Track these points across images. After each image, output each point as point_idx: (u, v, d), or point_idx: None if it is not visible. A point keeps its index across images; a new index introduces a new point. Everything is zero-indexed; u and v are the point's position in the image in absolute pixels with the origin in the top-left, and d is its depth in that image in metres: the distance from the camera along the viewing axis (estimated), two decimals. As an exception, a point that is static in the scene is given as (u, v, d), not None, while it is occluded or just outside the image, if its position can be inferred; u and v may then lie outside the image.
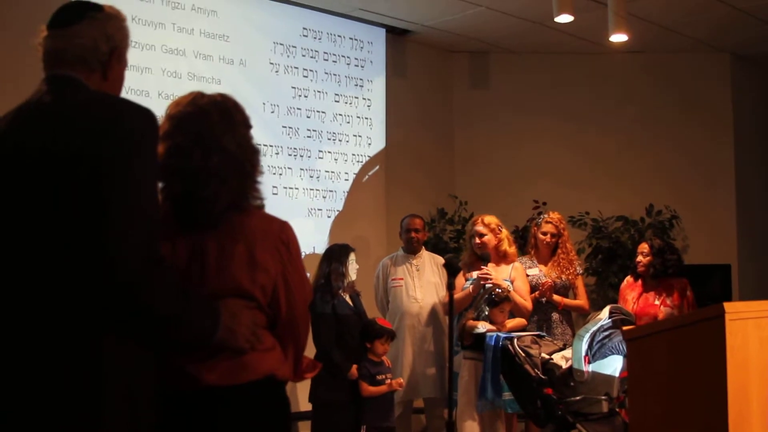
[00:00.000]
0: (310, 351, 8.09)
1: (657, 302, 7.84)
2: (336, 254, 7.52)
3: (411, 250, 8.29)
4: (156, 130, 2.85)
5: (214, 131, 3.13)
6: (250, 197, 3.19)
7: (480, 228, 7.72)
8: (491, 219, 7.82)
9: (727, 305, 3.95)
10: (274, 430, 3.18)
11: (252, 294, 3.11)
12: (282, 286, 3.17)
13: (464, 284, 7.68)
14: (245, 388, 3.09)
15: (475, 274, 7.59)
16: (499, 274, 7.60)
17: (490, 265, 7.54)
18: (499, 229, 7.82)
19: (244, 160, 3.15)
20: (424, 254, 8.39)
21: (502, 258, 7.76)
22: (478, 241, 7.69)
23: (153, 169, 2.84)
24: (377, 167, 9.41)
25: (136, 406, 2.81)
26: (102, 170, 2.67)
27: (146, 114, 2.82)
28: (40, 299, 2.71)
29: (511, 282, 7.62)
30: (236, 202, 3.12)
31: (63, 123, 2.75)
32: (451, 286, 4.60)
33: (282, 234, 3.20)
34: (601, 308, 6.72)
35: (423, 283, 8.18)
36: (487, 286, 7.37)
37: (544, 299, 7.92)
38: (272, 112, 8.53)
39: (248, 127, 3.28)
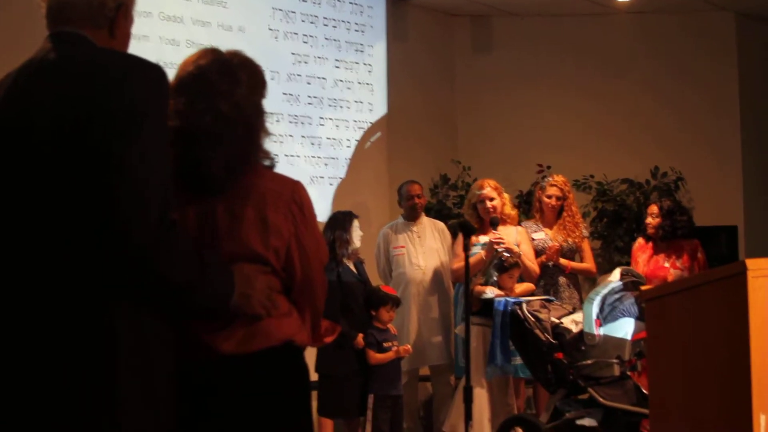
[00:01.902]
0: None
1: (667, 264, 7.77)
2: (340, 221, 7.43)
3: (413, 216, 8.19)
4: (166, 88, 2.76)
5: (210, 91, 3.03)
6: (255, 158, 3.08)
7: (488, 192, 7.62)
8: (495, 183, 7.73)
9: (749, 262, 3.84)
10: (293, 398, 3.09)
11: (266, 258, 3.01)
12: (296, 248, 3.06)
13: (471, 250, 7.59)
14: (263, 356, 3.00)
15: (483, 238, 7.51)
16: (505, 239, 7.51)
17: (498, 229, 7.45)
18: (501, 193, 7.75)
19: (242, 121, 3.03)
20: (425, 220, 8.31)
21: (504, 221, 7.67)
22: (489, 205, 7.58)
23: (164, 130, 2.75)
24: (379, 133, 9.31)
25: (153, 377, 2.73)
26: (112, 133, 2.59)
27: (156, 71, 2.73)
28: (51, 267, 2.63)
29: (518, 245, 7.54)
30: (238, 164, 3.01)
31: (70, 83, 2.66)
32: (467, 247, 4.47)
33: (295, 194, 3.09)
34: (607, 272, 6.66)
35: (425, 250, 8.10)
36: (499, 250, 7.28)
37: (551, 263, 7.84)
38: (272, 79, 8.37)
39: (256, 86, 3.16)
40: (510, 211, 7.74)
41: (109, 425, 2.63)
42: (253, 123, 3.09)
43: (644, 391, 6.19)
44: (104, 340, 2.62)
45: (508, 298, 6.88)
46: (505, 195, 7.78)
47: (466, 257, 4.38)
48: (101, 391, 2.62)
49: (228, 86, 3.05)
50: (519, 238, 7.65)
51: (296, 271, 3.08)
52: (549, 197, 8.02)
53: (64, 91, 2.64)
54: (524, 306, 6.66)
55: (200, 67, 3.08)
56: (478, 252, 7.43)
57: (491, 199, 7.59)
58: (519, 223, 7.98)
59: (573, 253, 8.05)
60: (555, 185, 8.02)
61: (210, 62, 3.10)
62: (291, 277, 3.09)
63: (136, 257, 2.60)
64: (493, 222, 7.45)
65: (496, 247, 7.30)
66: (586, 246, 8.15)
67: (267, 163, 3.16)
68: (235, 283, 2.91)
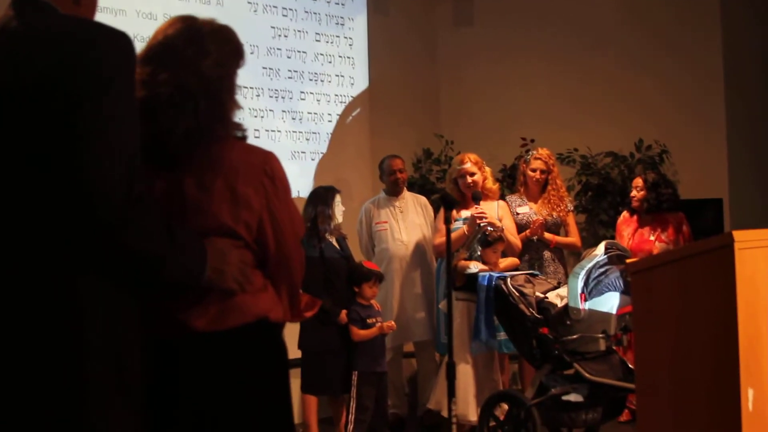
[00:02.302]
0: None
1: (652, 238, 7.73)
2: (322, 197, 7.35)
3: (395, 191, 8.13)
4: (133, 57, 2.67)
5: (174, 61, 2.95)
6: (221, 131, 2.98)
7: (469, 167, 7.56)
8: (477, 157, 7.66)
9: (736, 234, 3.77)
10: (270, 376, 3.01)
11: (236, 231, 2.93)
12: (268, 221, 2.98)
13: (453, 225, 7.52)
14: (236, 332, 2.92)
15: (464, 213, 7.46)
16: (487, 213, 7.45)
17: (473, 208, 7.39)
18: (483, 167, 7.68)
19: (205, 92, 2.93)
20: (407, 195, 8.27)
21: (485, 196, 7.60)
22: (469, 180, 7.54)
23: (131, 98, 2.67)
24: (361, 107, 9.19)
25: (121, 353, 2.64)
26: (77, 103, 2.51)
27: (122, 39, 2.64)
28: (13, 239, 2.55)
29: (500, 220, 7.49)
30: (199, 137, 2.91)
31: (33, 50, 2.57)
32: (448, 220, 4.36)
33: (266, 165, 3.00)
34: (592, 246, 6.59)
35: (408, 225, 8.06)
36: (481, 224, 7.21)
37: (535, 237, 7.79)
38: (251, 53, 8.25)
39: (227, 57, 3.06)
40: (491, 185, 7.69)
41: (75, 405, 2.55)
42: (219, 95, 2.99)
43: (630, 366, 6.20)
44: (69, 317, 2.55)
45: (492, 273, 6.82)
46: (487, 169, 7.72)
47: (447, 231, 4.25)
48: (67, 370, 2.55)
49: (193, 56, 2.96)
50: (501, 213, 7.60)
51: (269, 244, 3.00)
52: (533, 171, 7.96)
53: (28, 59, 2.55)
54: (508, 281, 6.60)
55: (168, 37, 3.01)
56: (460, 227, 7.38)
57: (472, 174, 7.54)
58: (501, 198, 7.93)
59: (558, 227, 8.00)
60: (539, 158, 7.96)
61: (178, 31, 3.01)
62: (264, 251, 3.01)
63: (102, 229, 2.52)
64: (475, 197, 7.39)
65: (478, 221, 7.23)
66: (571, 220, 8.10)
67: (239, 134, 3.08)
68: (207, 257, 2.83)
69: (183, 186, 2.92)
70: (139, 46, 3.00)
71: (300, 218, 3.15)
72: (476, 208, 7.33)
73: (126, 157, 2.56)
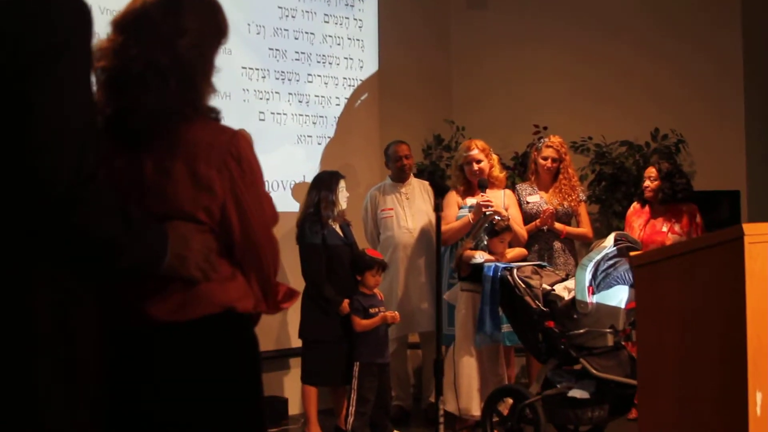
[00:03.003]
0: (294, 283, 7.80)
1: (665, 229, 7.51)
2: (325, 182, 7.19)
3: (401, 178, 7.96)
4: (88, 24, 2.46)
5: (148, 36, 2.77)
6: (190, 113, 2.79)
7: (475, 153, 7.37)
8: (483, 144, 7.47)
9: (746, 227, 3.55)
10: (236, 371, 2.81)
11: (195, 216, 2.74)
12: (233, 207, 2.78)
13: (458, 213, 7.35)
14: (200, 323, 2.73)
15: (470, 201, 7.29)
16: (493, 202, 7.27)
17: (478, 195, 7.21)
18: (490, 154, 7.49)
19: (177, 72, 2.75)
20: (413, 181, 8.09)
21: (492, 184, 7.41)
22: (475, 167, 7.36)
23: (85, 70, 2.46)
24: (369, 91, 8.97)
25: (75, 344, 2.45)
26: (25, 67, 2.31)
27: (76, 5, 2.43)
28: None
29: (506, 209, 7.30)
30: (164, 118, 2.74)
31: None
32: (438, 207, 4.13)
33: (231, 146, 2.79)
34: (605, 237, 6.37)
35: (414, 212, 7.87)
36: (487, 213, 7.02)
37: (545, 227, 7.59)
38: (258, 33, 8.08)
39: (208, 35, 2.88)
40: (498, 173, 7.51)
41: (25, 400, 2.37)
42: (192, 76, 2.81)
43: None
44: (18, 307, 2.36)
45: (498, 264, 6.62)
46: (494, 157, 7.54)
47: (437, 218, 4.02)
48: (15, 363, 2.36)
49: (170, 33, 2.78)
50: (507, 202, 7.43)
51: (234, 231, 2.80)
52: (545, 159, 7.76)
53: None
54: (515, 272, 6.41)
55: (146, 5, 2.82)
56: (465, 215, 7.21)
57: (478, 161, 7.36)
58: (510, 186, 7.76)
59: (569, 217, 7.80)
60: (551, 146, 7.76)
61: (158, 1, 2.82)
62: (230, 239, 2.81)
63: (49, 209, 2.33)
64: (481, 184, 7.21)
65: (483, 210, 7.04)
66: (582, 210, 7.90)
67: (211, 116, 2.89)
68: (168, 242, 2.64)
69: (142, 166, 2.74)
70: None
71: (271, 205, 2.93)
72: (482, 195, 7.14)
73: (78, 130, 2.37)
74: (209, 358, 2.73)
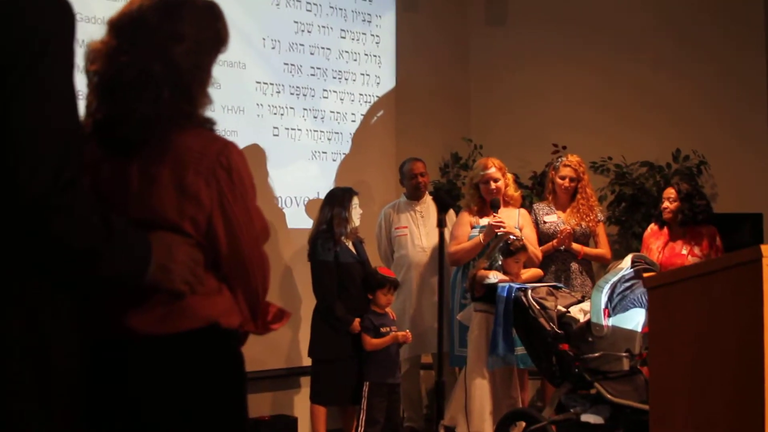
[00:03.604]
0: (298, 302, 7.69)
1: (684, 251, 7.34)
2: (338, 198, 7.09)
3: (416, 196, 7.84)
4: (71, 25, 2.35)
5: (142, 41, 2.67)
6: (182, 123, 2.69)
7: (493, 172, 7.25)
8: (500, 162, 7.35)
9: (765, 248, 3.40)
10: (217, 387, 2.70)
11: (180, 227, 2.63)
12: (220, 219, 2.67)
13: (470, 233, 7.23)
14: (183, 338, 2.63)
15: (483, 221, 7.17)
16: (507, 222, 7.15)
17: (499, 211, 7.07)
18: (506, 173, 7.37)
19: (171, 81, 2.66)
20: (428, 200, 7.92)
21: (506, 203, 7.30)
22: (493, 186, 7.24)
23: (67, 72, 2.34)
24: (386, 108, 8.85)
25: (50, 358, 2.34)
26: (4, 75, 2.20)
27: (59, 5, 2.31)
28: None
29: (520, 229, 7.17)
30: (155, 127, 2.64)
31: None
32: (441, 223, 3.97)
33: (221, 156, 2.68)
34: (623, 258, 6.23)
35: (429, 231, 7.73)
36: (499, 234, 6.89)
37: (562, 247, 7.45)
38: (273, 48, 7.97)
39: (206, 42, 2.78)
40: (513, 192, 7.40)
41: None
42: (187, 86, 2.71)
43: None
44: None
45: (512, 284, 6.49)
46: (509, 176, 7.40)
47: (441, 235, 3.87)
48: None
49: (166, 39, 2.68)
50: (522, 222, 7.30)
51: (221, 245, 2.69)
52: (562, 178, 7.63)
53: None
54: (529, 293, 6.28)
55: (142, 9, 2.72)
56: (476, 235, 7.09)
57: (496, 180, 7.23)
58: (527, 206, 7.62)
59: (587, 237, 7.66)
60: (569, 165, 7.63)
61: (155, 4, 2.71)
62: (216, 252, 2.70)
63: (27, 217, 2.23)
64: (494, 204, 7.09)
65: (495, 230, 6.92)
66: (601, 231, 7.76)
67: (206, 126, 2.79)
68: (152, 253, 2.52)
69: (128, 173, 2.64)
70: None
71: (262, 219, 2.82)
72: (494, 216, 7.01)
73: (59, 134, 2.27)
74: (191, 374, 2.63)
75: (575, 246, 7.50)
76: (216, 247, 2.69)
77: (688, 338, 3.65)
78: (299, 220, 7.92)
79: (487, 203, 7.25)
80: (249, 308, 2.79)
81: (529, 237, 7.21)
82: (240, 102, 7.58)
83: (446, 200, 4.11)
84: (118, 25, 2.71)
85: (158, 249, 2.53)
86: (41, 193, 2.21)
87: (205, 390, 2.64)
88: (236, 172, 2.69)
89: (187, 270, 2.60)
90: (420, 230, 7.72)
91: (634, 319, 5.93)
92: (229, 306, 2.73)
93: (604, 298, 5.87)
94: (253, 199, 2.77)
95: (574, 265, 7.55)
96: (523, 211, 7.47)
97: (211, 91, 2.82)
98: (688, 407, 3.66)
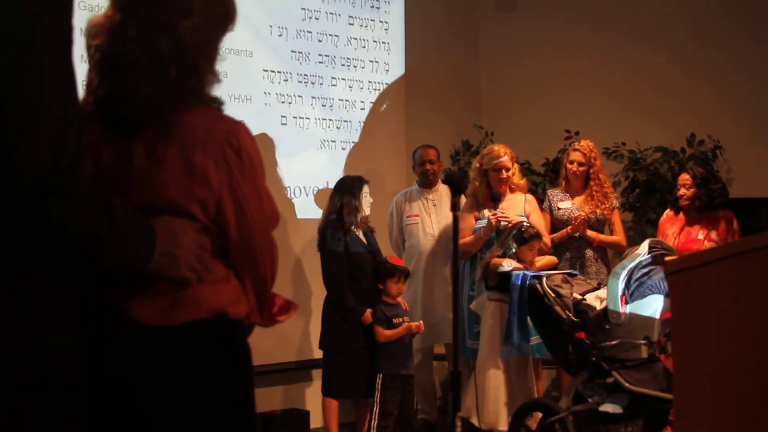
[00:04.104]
0: (308, 293, 7.59)
1: (701, 236, 7.21)
2: (348, 187, 6.98)
3: (426, 183, 7.71)
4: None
5: (149, 15, 2.54)
6: (189, 102, 2.57)
7: (506, 160, 7.15)
8: (509, 149, 7.24)
9: (793, 228, 3.27)
10: (224, 382, 2.57)
11: (188, 210, 2.51)
12: (229, 202, 2.55)
13: (473, 225, 7.13)
14: (189, 328, 2.50)
15: (487, 212, 7.05)
16: (513, 209, 7.04)
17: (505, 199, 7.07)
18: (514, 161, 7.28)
19: (179, 58, 2.54)
20: (441, 188, 7.78)
21: (512, 191, 7.29)
22: (504, 175, 7.11)
23: (64, 48, 2.20)
24: (396, 95, 8.72)
25: (49, 355, 2.22)
26: None
27: None
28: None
29: (527, 216, 7.05)
30: (161, 106, 2.52)
31: None
32: (455, 206, 3.84)
33: (230, 136, 2.56)
34: (639, 245, 6.11)
35: (441, 219, 7.60)
36: (502, 224, 6.80)
37: (577, 234, 7.32)
38: (280, 35, 7.84)
39: (214, 18, 2.65)
40: (518, 180, 7.26)
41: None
42: (194, 62, 2.58)
43: None
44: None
45: (526, 272, 6.38)
46: (516, 164, 7.28)
47: (455, 218, 3.72)
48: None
49: (173, 14, 2.55)
50: (529, 208, 7.20)
51: (230, 230, 2.57)
52: (571, 163, 7.52)
53: None
54: (544, 280, 6.18)
55: None
56: (481, 227, 7.03)
57: (507, 169, 7.12)
58: (540, 193, 7.52)
59: (602, 225, 7.56)
60: (578, 150, 7.54)
61: None
62: (225, 238, 2.58)
63: (25, 203, 2.11)
64: (494, 197, 6.97)
65: (497, 225, 6.92)
66: (616, 218, 7.64)
67: (213, 106, 2.67)
68: (156, 238, 2.40)
69: (132, 154, 2.52)
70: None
71: (272, 203, 2.70)
72: (495, 211, 6.98)
73: (57, 114, 2.14)
74: (196, 368, 2.51)
75: (590, 233, 7.39)
76: (225, 232, 2.57)
77: (713, 323, 3.52)
78: (309, 210, 7.81)
79: (495, 191, 7.15)
80: (256, 298, 2.68)
81: (537, 224, 7.10)
82: (247, 91, 7.47)
83: (460, 183, 3.94)
84: (122, 0, 2.59)
85: (162, 234, 2.42)
86: (40, 178, 2.09)
87: (211, 384, 2.53)
88: (246, 153, 2.58)
89: (194, 256, 2.48)
90: (432, 218, 7.58)
91: (652, 306, 5.82)
92: (237, 295, 2.61)
93: (621, 285, 5.77)
94: (263, 182, 2.65)
95: (589, 252, 7.45)
96: (530, 197, 7.39)
97: (218, 80, 2.70)
98: (711, 394, 3.53)
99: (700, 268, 3.59)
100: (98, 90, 2.56)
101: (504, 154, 7.15)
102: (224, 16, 2.70)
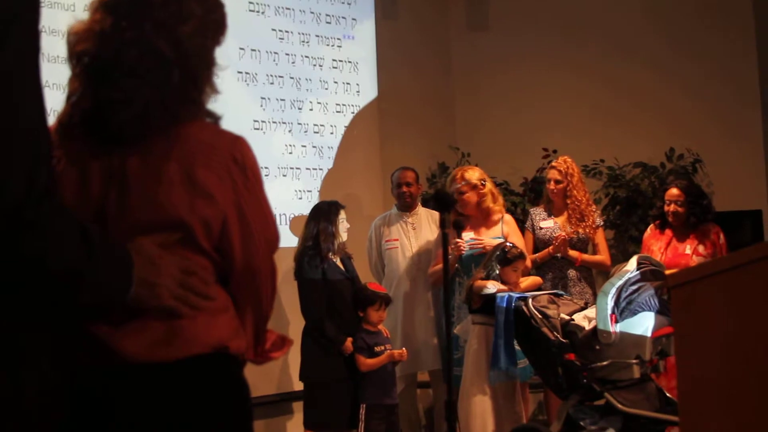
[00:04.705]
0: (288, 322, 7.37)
1: (688, 251, 7.04)
2: (324, 212, 6.80)
3: (405, 206, 7.54)
4: (35, 8, 1.98)
5: (146, 18, 2.34)
6: (187, 115, 2.37)
7: (461, 186, 7.06)
8: (473, 173, 7.06)
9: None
10: (225, 424, 2.34)
11: (190, 227, 2.28)
12: (235, 221, 2.34)
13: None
14: (185, 365, 2.27)
15: (465, 236, 6.95)
16: (489, 233, 6.96)
17: (470, 231, 7.01)
18: (482, 184, 7.05)
19: (180, 64, 2.34)
20: (420, 211, 7.66)
21: (486, 216, 7.09)
22: (464, 198, 7.03)
23: (34, 61, 1.95)
24: (369, 118, 8.56)
25: (23, 397, 1.99)
26: None
27: None
28: None
29: (505, 238, 6.88)
30: (159, 117, 2.31)
31: None
32: (444, 223, 3.63)
33: (235, 150, 2.37)
34: (622, 263, 5.96)
35: (421, 243, 7.44)
36: (472, 251, 6.79)
37: (559, 255, 7.15)
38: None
39: (211, 25, 2.46)
40: (491, 204, 7.10)
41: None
42: (194, 70, 2.39)
43: (668, 395, 5.69)
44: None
45: (512, 293, 6.19)
46: (488, 186, 7.13)
47: (444, 235, 3.49)
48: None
49: (171, 17, 2.36)
50: (507, 230, 7.04)
51: (235, 253, 2.36)
52: (548, 182, 7.37)
53: None
54: (530, 301, 6.02)
55: None
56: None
57: (461, 193, 6.98)
58: (518, 213, 7.37)
59: (585, 244, 7.40)
60: (554, 167, 7.41)
61: None
62: (229, 261, 2.37)
63: None
64: (456, 225, 6.80)
65: (462, 253, 6.86)
66: (600, 237, 7.50)
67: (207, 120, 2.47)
68: (132, 267, 2.17)
69: (126, 168, 2.30)
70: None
71: (274, 223, 2.50)
72: (457, 241, 6.84)
73: (30, 136, 1.90)
74: (195, 408, 2.28)
75: (572, 253, 7.24)
76: (229, 256, 2.37)
77: (717, 338, 3.34)
78: (284, 239, 7.58)
79: (469, 217, 7.06)
80: (254, 331, 2.48)
81: (516, 244, 6.93)
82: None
83: (448, 200, 3.71)
84: (112, 3, 2.37)
85: (140, 261, 2.19)
86: (13, 207, 1.86)
87: (213, 426, 2.31)
88: (251, 169, 2.40)
89: (176, 283, 2.26)
90: (411, 242, 7.41)
91: (643, 324, 5.69)
92: (236, 327, 2.40)
93: (610, 303, 5.64)
94: (266, 199, 2.47)
95: (572, 272, 7.31)
96: (508, 217, 7.24)
97: (217, 91, 2.50)
98: (722, 409, 3.35)
99: (704, 280, 3.41)
100: (82, 100, 2.34)
101: (459, 179, 7.04)
102: (219, 24, 2.52)
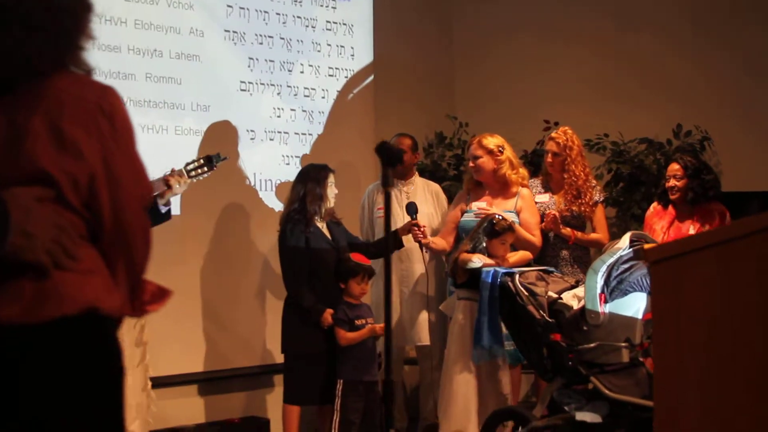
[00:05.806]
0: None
1: (692, 231, 6.74)
2: (312, 175, 6.55)
3: (400, 174, 7.20)
4: None
5: None
6: (58, 60, 2.25)
7: (472, 150, 6.80)
8: (491, 139, 6.76)
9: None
10: (95, 387, 2.22)
11: (57, 182, 2.15)
12: (103, 177, 2.22)
13: (458, 218, 6.83)
14: (55, 326, 2.15)
15: (475, 205, 6.62)
16: (502, 205, 6.71)
17: (486, 200, 6.75)
18: (500, 151, 6.73)
19: (43, 10, 2.20)
20: (417, 180, 7.47)
21: (503, 186, 6.75)
22: (471, 164, 6.72)
23: None
24: (364, 83, 8.29)
25: None
26: None
27: None
28: None
29: (517, 213, 6.62)
30: (41, 63, 2.20)
31: None
32: (387, 181, 3.33)
33: (103, 102, 2.25)
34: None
35: (414, 213, 7.11)
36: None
37: (550, 233, 6.85)
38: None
39: None
40: (508, 171, 6.78)
41: None
42: (62, 19, 2.27)
43: None
44: None
45: (498, 268, 5.94)
46: (506, 155, 6.80)
47: (386, 194, 3.19)
48: None
49: None
50: (521, 204, 6.74)
51: (104, 210, 2.24)
52: (546, 153, 7.07)
53: None
54: (517, 277, 5.78)
55: None
56: (469, 220, 6.69)
57: (475, 158, 6.70)
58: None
59: (581, 221, 7.07)
60: (552, 139, 7.12)
61: None
62: (97, 218, 2.23)
63: None
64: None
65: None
66: (598, 213, 7.18)
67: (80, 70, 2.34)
68: (9, 214, 2.02)
69: None
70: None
71: (146, 177, 2.40)
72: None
73: None
74: (63, 372, 2.16)
75: (565, 231, 6.92)
76: (98, 213, 2.25)
77: (700, 319, 3.05)
78: (270, 205, 7.46)
79: (483, 184, 6.84)
80: (129, 287, 2.33)
81: (527, 221, 6.69)
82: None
83: (393, 154, 3.37)
84: None
85: (16, 210, 2.04)
86: None
87: (80, 390, 2.19)
88: (120, 119, 2.29)
89: (51, 237, 2.11)
90: (403, 212, 7.09)
91: (634, 305, 5.48)
92: (108, 287, 2.27)
93: (600, 282, 5.39)
94: (137, 153, 2.34)
95: (564, 252, 7.03)
96: (525, 191, 6.90)
97: (92, 36, 2.35)
98: (702, 399, 3.07)
99: (686, 256, 3.12)
100: None
101: (473, 144, 6.84)
102: None
